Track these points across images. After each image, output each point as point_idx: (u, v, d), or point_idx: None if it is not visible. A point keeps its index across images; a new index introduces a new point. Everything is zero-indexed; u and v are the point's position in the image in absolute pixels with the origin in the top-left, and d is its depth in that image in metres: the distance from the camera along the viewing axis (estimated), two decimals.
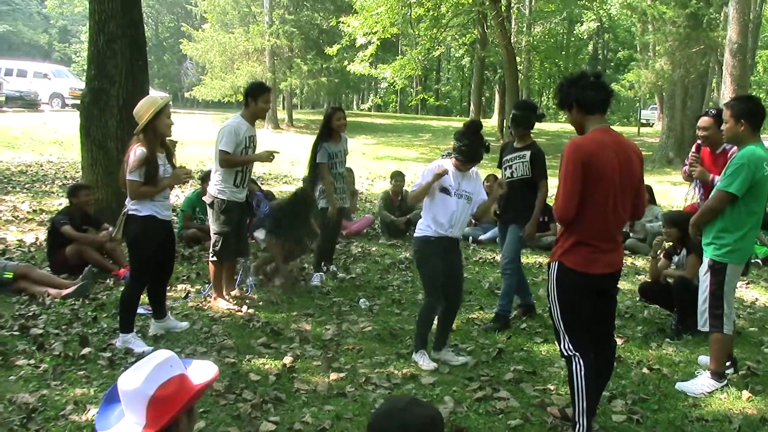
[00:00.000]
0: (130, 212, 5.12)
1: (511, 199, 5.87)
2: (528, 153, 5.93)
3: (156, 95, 5.48)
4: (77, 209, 7.21)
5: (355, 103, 54.23)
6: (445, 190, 4.91)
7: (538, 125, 6.43)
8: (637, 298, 6.62)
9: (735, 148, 5.04)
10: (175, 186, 5.79)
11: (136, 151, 4.97)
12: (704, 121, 5.52)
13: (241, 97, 33.82)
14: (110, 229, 7.19)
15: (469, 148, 4.88)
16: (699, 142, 5.63)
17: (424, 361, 4.94)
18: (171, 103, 5.42)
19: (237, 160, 6.06)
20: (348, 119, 7.51)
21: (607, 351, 3.99)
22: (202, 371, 2.66)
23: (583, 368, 3.75)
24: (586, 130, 3.76)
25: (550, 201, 5.30)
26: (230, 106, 43.35)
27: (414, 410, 2.23)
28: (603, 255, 3.77)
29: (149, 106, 5.07)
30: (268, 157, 6.29)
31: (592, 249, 3.74)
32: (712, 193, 4.72)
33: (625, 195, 3.78)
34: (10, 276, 6.37)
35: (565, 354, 3.84)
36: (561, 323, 3.84)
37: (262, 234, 7.28)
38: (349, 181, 7.68)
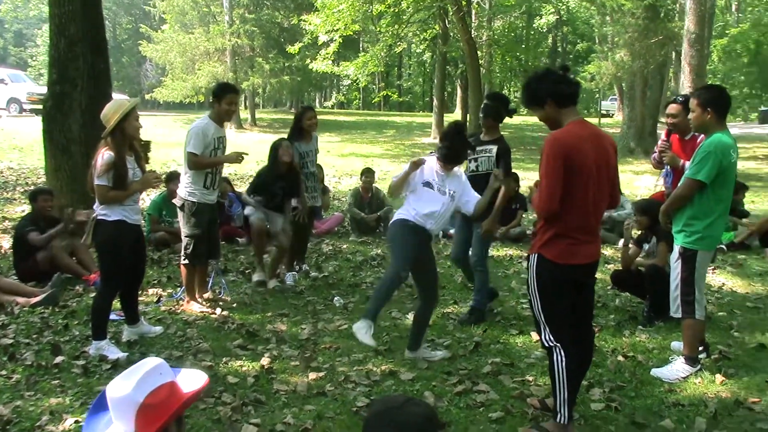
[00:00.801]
0: (99, 217, 5.04)
1: None
2: (495, 148, 5.84)
3: (122, 98, 5.39)
4: (40, 214, 7.08)
5: (318, 101, 54.02)
6: (428, 184, 4.90)
7: None
8: (609, 287, 6.71)
9: (703, 135, 5.16)
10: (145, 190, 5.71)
11: (104, 155, 4.89)
12: (673, 108, 5.63)
13: (202, 98, 33.69)
14: (69, 210, 7.11)
15: (450, 150, 4.89)
16: (669, 128, 5.72)
17: (364, 334, 4.55)
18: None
19: (205, 162, 6.00)
20: None
21: (586, 341, 4.03)
22: (191, 379, 2.64)
23: (563, 359, 3.78)
24: (561, 124, 3.77)
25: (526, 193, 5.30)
26: (191, 107, 42.95)
27: (410, 409, 2.22)
28: (582, 246, 3.80)
29: (116, 109, 4.99)
30: (237, 158, 6.22)
31: (571, 241, 3.76)
32: (681, 181, 4.80)
33: (602, 186, 3.82)
34: None
35: (546, 345, 3.87)
36: (541, 315, 3.86)
37: (250, 210, 7.17)
38: (320, 179, 7.65)
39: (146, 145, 5.60)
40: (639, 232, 6.60)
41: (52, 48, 8.48)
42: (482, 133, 6.03)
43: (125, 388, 2.35)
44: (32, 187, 11.12)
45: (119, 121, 4.91)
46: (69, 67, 8.29)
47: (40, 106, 29.83)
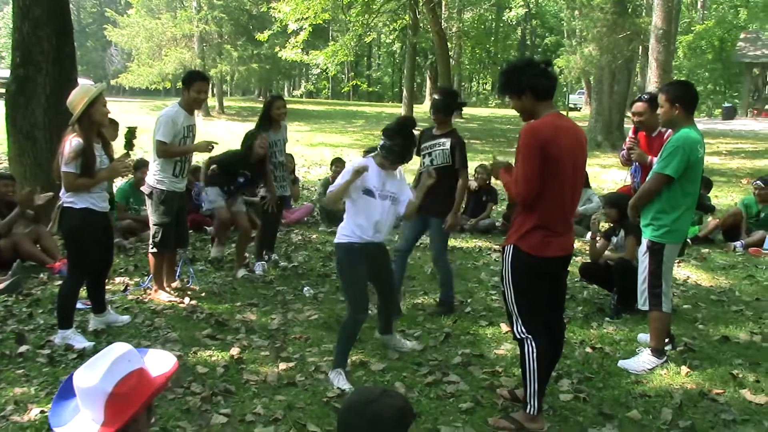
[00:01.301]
0: (65, 205, 4.94)
1: (431, 188, 5.04)
2: (448, 141, 5.80)
3: (88, 83, 5.27)
4: (1, 201, 6.93)
5: (286, 89, 53.68)
6: (368, 192, 4.57)
7: (468, 110, 6.43)
8: (577, 279, 6.77)
9: (670, 131, 5.29)
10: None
11: (72, 142, 4.79)
12: (638, 106, 5.71)
13: (169, 85, 33.16)
14: (24, 191, 6.98)
15: (402, 147, 4.56)
16: (635, 126, 5.80)
17: (339, 381, 4.39)
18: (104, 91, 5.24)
19: (174, 150, 5.91)
20: None
21: (557, 333, 4.07)
22: (159, 362, 2.60)
23: (535, 350, 3.81)
24: (537, 116, 3.79)
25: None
26: (157, 94, 42.43)
27: (386, 401, 2.23)
28: (557, 238, 3.82)
29: (83, 95, 4.88)
30: (207, 147, 6.15)
31: (547, 233, 3.78)
32: (649, 176, 4.86)
33: (577, 179, 3.85)
34: None
35: (518, 336, 3.89)
36: (515, 306, 3.88)
37: (211, 203, 7.11)
38: (290, 169, 7.59)
39: (132, 131, 5.52)
40: (607, 226, 6.66)
41: (16, 31, 8.26)
42: (434, 128, 5.98)
43: (93, 377, 2.31)
44: None
45: (86, 107, 4.81)
46: (33, 50, 8.09)
47: (2, 90, 29.18)
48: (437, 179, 4.96)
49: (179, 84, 6.08)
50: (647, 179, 4.90)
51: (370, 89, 51.49)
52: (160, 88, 33.32)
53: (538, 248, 3.78)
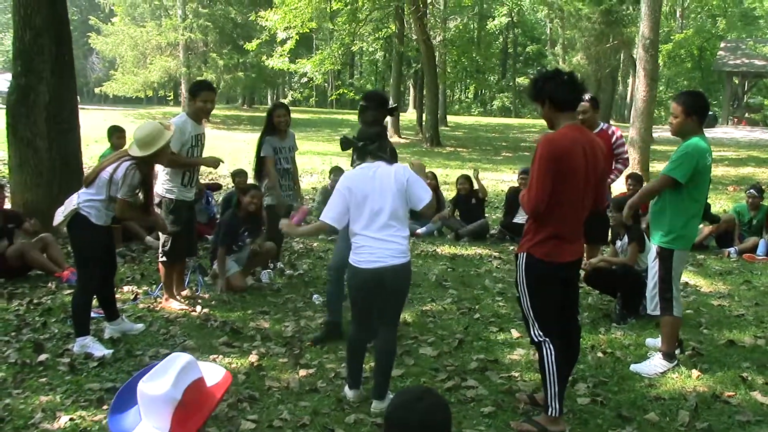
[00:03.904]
0: (82, 212, 4.94)
1: None
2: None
3: (159, 125, 5.17)
4: None
5: (269, 98, 53.60)
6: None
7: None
8: (580, 285, 6.86)
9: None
10: None
11: (132, 175, 4.88)
12: (583, 105, 6.32)
13: (151, 93, 32.97)
14: (33, 221, 6.97)
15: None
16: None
17: (352, 396, 4.35)
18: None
19: (182, 161, 5.95)
20: None
21: (573, 334, 4.18)
22: (211, 373, 2.66)
23: (552, 353, 3.91)
24: (556, 126, 3.90)
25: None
26: (139, 102, 42.20)
27: (430, 399, 2.31)
28: (569, 245, 3.95)
29: (160, 135, 5.00)
30: (215, 162, 6.23)
31: (559, 240, 3.90)
32: (657, 177, 5.00)
33: (588, 189, 3.95)
34: None
35: (535, 340, 3.99)
36: (530, 311, 3.99)
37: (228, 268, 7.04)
38: (295, 180, 7.59)
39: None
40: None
41: (17, 40, 8.27)
42: None
43: (163, 385, 2.36)
44: None
45: (159, 149, 4.97)
46: (34, 59, 8.11)
47: None
48: None
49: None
50: (652, 180, 5.04)
51: (355, 98, 51.48)
52: (142, 96, 33.21)
53: (551, 255, 3.90)
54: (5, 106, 8.49)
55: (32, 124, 8.11)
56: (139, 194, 5.13)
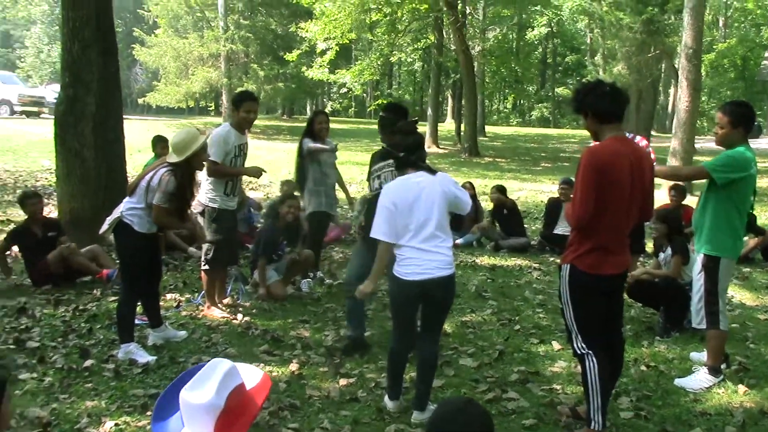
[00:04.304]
0: (125, 220, 5.04)
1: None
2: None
3: (194, 130, 5.32)
4: (32, 219, 7.05)
5: (308, 108, 54.06)
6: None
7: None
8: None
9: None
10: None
11: (169, 183, 4.95)
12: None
13: (192, 104, 33.45)
14: (69, 244, 7.00)
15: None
16: None
17: (392, 407, 4.36)
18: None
19: (225, 171, 6.03)
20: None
21: (616, 347, 4.13)
22: (250, 376, 2.68)
23: (596, 366, 3.88)
24: (600, 138, 3.88)
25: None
26: (180, 112, 42.81)
27: (472, 410, 2.31)
28: (613, 257, 3.92)
29: (194, 140, 5.07)
30: (258, 172, 6.30)
31: (603, 252, 3.87)
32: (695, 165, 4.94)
33: (634, 201, 3.91)
34: None
35: (578, 352, 3.96)
36: (574, 323, 3.96)
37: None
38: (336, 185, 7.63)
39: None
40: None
41: (65, 52, 8.46)
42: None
43: (206, 394, 2.38)
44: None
45: (193, 154, 5.02)
46: (82, 71, 8.28)
47: (33, 108, 29.36)
48: None
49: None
50: (689, 166, 4.98)
51: None
52: (184, 106, 33.69)
53: (595, 267, 3.87)
54: (53, 117, 8.68)
55: (80, 135, 8.28)
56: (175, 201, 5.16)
